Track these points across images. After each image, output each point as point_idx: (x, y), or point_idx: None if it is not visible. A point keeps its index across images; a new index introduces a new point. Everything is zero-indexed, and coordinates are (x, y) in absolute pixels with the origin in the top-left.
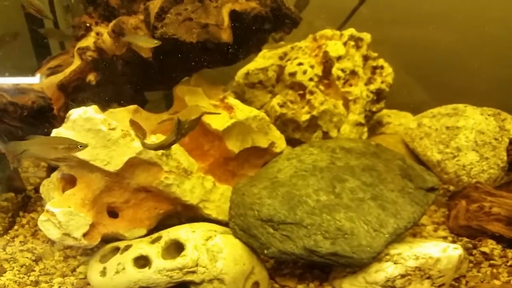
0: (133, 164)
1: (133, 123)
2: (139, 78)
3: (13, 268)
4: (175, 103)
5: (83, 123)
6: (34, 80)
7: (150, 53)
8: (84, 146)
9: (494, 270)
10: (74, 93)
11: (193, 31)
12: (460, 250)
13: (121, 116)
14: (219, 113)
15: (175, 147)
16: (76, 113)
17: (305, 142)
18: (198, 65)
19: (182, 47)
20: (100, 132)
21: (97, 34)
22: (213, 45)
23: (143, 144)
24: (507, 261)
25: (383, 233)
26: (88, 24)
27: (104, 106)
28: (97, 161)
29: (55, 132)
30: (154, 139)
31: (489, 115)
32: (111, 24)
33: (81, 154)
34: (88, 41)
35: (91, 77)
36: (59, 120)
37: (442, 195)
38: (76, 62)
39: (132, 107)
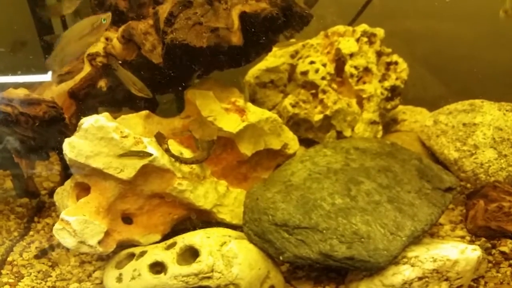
0: (146, 171)
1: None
2: (150, 82)
3: (31, 274)
4: (186, 107)
5: (96, 131)
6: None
7: (161, 59)
8: (107, 16)
9: None
10: (85, 100)
11: (203, 35)
12: (478, 252)
13: (133, 122)
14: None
15: (187, 153)
16: (87, 122)
17: (319, 142)
18: (208, 68)
19: (193, 51)
20: (113, 141)
21: (107, 39)
22: (224, 48)
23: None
24: None
25: (400, 236)
26: None
27: (116, 111)
28: (111, 169)
29: (67, 142)
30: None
31: (507, 110)
32: (121, 29)
33: (95, 163)
34: (98, 47)
35: (102, 83)
36: (71, 128)
37: (459, 193)
38: (86, 69)
39: (144, 112)
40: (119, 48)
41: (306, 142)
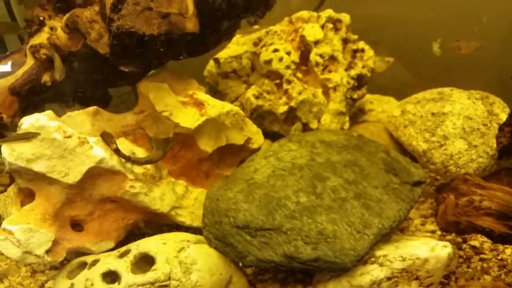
0: (93, 174)
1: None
2: (99, 75)
3: None
4: (139, 101)
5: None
6: None
7: (108, 49)
8: None
9: (485, 265)
10: (29, 96)
11: (153, 22)
12: (449, 248)
13: (80, 119)
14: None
15: (140, 152)
16: (27, 122)
17: (284, 135)
18: (162, 57)
19: (143, 40)
20: (55, 141)
21: (51, 29)
22: (178, 36)
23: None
24: (498, 255)
25: (367, 235)
26: (41, 18)
27: (64, 107)
28: (54, 173)
29: (5, 145)
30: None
31: (476, 98)
32: (65, 18)
33: (37, 167)
34: (42, 38)
35: (47, 78)
36: (13, 129)
37: (429, 185)
38: (29, 62)
39: (92, 109)
40: (64, 38)
41: (272, 135)
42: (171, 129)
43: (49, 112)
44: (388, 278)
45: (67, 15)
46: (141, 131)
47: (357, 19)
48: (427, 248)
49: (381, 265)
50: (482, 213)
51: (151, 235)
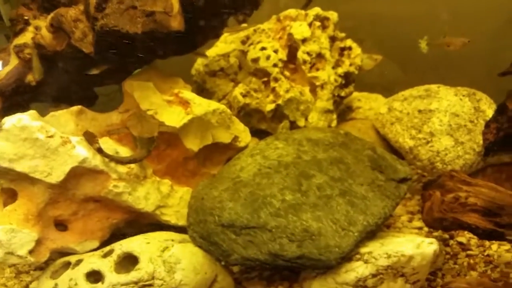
0: (76, 173)
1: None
2: (84, 74)
3: None
4: (125, 100)
5: (18, 132)
6: None
7: (92, 48)
8: None
9: (471, 261)
10: (13, 96)
11: (137, 20)
12: (435, 245)
13: (64, 119)
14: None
15: (125, 151)
16: (9, 122)
17: (272, 133)
18: (148, 56)
19: (127, 39)
20: (38, 141)
21: (36, 28)
22: (163, 34)
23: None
24: (484, 251)
25: (352, 232)
26: (26, 17)
27: (49, 107)
28: (37, 173)
29: None
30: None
31: (463, 95)
32: (49, 17)
33: (19, 167)
34: (26, 37)
35: (31, 78)
36: None
37: (416, 181)
38: (13, 62)
39: (76, 108)
40: (49, 37)
41: (259, 134)
42: (156, 128)
43: (32, 112)
44: (373, 275)
45: (52, 14)
46: (125, 130)
47: (345, 17)
48: (413, 245)
49: (366, 262)
50: (468, 209)
51: (135, 234)
